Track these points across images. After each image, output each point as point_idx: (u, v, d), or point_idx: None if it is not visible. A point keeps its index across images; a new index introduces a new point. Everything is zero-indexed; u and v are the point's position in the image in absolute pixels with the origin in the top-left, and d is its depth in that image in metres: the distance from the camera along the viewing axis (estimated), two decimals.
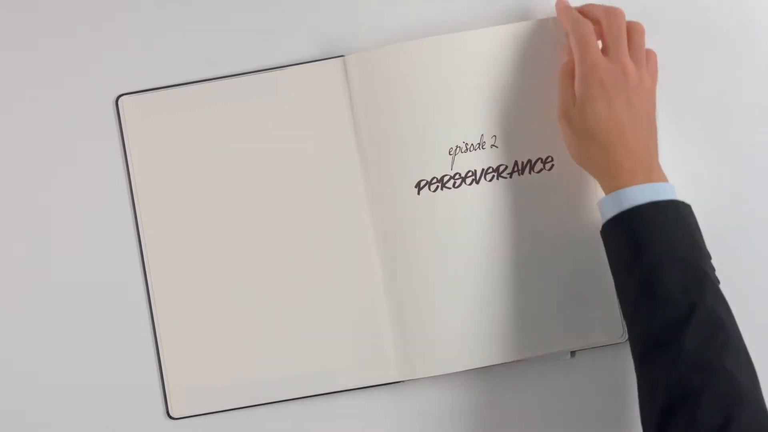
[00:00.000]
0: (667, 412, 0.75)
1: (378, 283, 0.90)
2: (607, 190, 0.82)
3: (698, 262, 0.78)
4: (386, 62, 0.90)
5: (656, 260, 0.78)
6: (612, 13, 0.85)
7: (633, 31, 0.85)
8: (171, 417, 0.91)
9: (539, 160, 0.89)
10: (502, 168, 0.90)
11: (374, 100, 0.90)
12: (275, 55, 0.93)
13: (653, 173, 0.81)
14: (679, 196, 0.82)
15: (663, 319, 0.77)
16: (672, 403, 0.75)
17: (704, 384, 0.74)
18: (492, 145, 0.90)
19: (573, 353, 0.90)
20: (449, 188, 0.89)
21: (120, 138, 0.93)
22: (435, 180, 0.89)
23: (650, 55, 0.86)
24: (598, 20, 0.86)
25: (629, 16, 0.86)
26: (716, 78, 0.93)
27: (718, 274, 0.80)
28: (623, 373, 0.90)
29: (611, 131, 0.82)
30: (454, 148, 0.89)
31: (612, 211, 0.81)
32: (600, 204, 0.83)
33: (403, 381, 0.90)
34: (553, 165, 0.89)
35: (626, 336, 0.88)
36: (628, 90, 0.83)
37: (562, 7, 0.88)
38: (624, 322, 0.88)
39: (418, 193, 0.89)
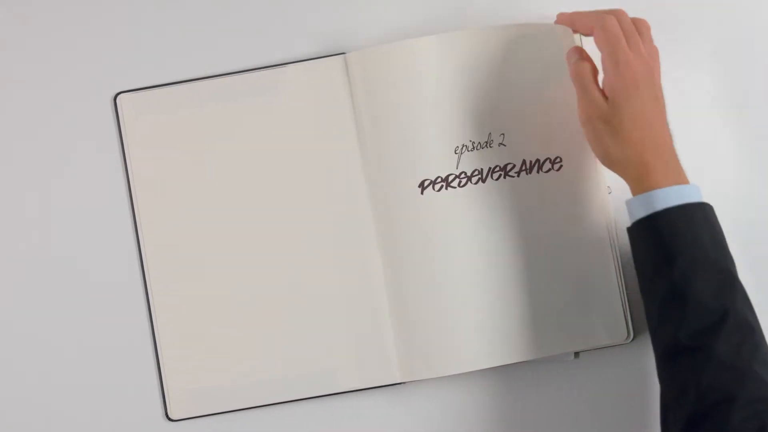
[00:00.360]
0: (698, 417, 0.74)
1: (380, 283, 0.89)
2: (637, 191, 0.81)
3: (726, 266, 0.78)
4: (388, 60, 0.89)
5: (687, 265, 0.77)
6: (618, 12, 0.84)
7: (642, 27, 0.85)
8: (170, 419, 0.91)
9: (548, 160, 0.89)
10: (509, 167, 0.89)
11: (376, 98, 0.89)
12: (276, 52, 0.93)
13: (680, 174, 0.81)
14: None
15: (695, 325, 0.76)
16: (703, 408, 0.74)
17: (737, 390, 0.74)
18: (500, 144, 0.89)
19: (577, 354, 0.90)
20: (454, 187, 0.89)
21: (118, 136, 0.92)
22: (439, 179, 0.89)
23: (654, 49, 0.86)
24: None
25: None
26: (712, 68, 0.93)
27: None
28: (627, 375, 0.90)
29: (645, 131, 0.81)
30: (460, 146, 0.89)
31: (641, 212, 0.80)
32: (628, 204, 0.82)
33: (405, 382, 0.90)
34: (561, 165, 0.89)
35: (631, 337, 0.88)
36: (654, 87, 0.82)
37: (569, 14, 0.87)
38: (629, 323, 0.88)
39: (422, 193, 0.89)
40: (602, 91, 0.83)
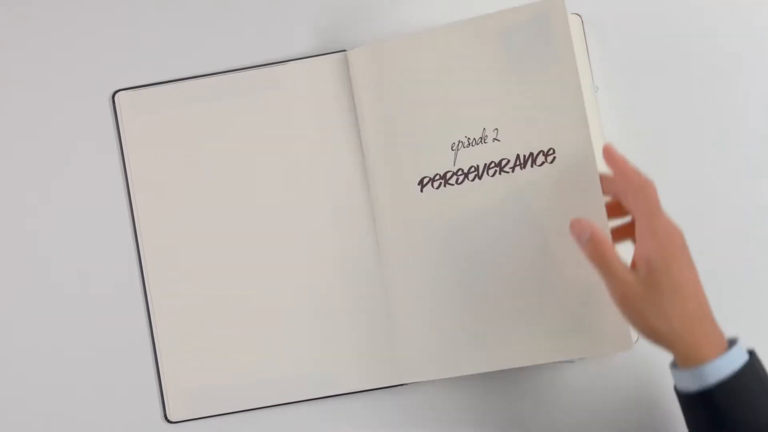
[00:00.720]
0: None
1: (381, 283, 0.88)
2: (685, 363, 0.76)
3: None
4: (388, 57, 0.88)
5: None
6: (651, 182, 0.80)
7: None
8: (169, 420, 0.90)
9: (541, 153, 0.87)
10: (504, 162, 0.87)
11: (377, 96, 0.88)
12: (276, 49, 0.92)
13: (723, 337, 0.77)
14: None
15: None
16: None
17: None
18: (494, 139, 0.87)
19: None
20: (452, 185, 0.87)
21: (117, 134, 0.92)
22: (438, 176, 0.87)
23: None
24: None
25: None
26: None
27: None
28: (626, 378, 0.89)
29: (688, 300, 0.76)
30: (457, 143, 0.87)
31: (692, 386, 0.76)
32: (675, 373, 0.78)
33: (405, 384, 0.88)
34: (555, 157, 0.87)
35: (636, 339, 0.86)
36: (688, 252, 0.78)
37: (618, 157, 0.80)
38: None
39: (421, 191, 0.87)
40: (632, 264, 0.78)
